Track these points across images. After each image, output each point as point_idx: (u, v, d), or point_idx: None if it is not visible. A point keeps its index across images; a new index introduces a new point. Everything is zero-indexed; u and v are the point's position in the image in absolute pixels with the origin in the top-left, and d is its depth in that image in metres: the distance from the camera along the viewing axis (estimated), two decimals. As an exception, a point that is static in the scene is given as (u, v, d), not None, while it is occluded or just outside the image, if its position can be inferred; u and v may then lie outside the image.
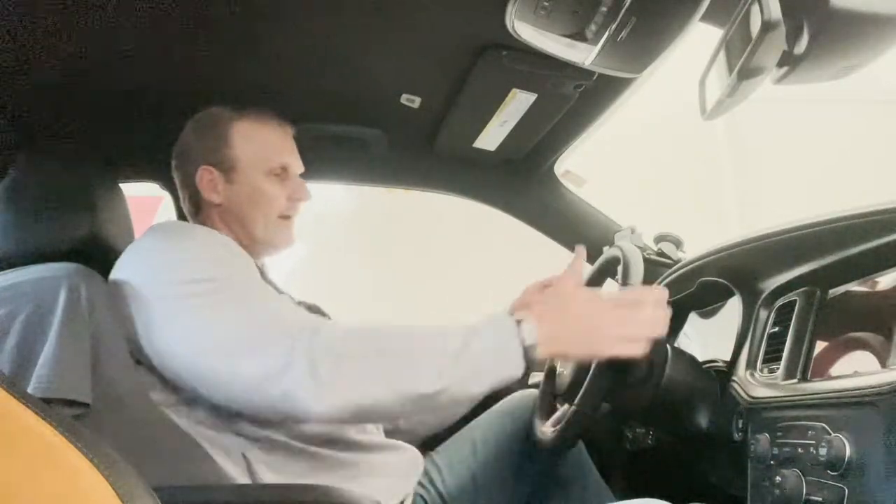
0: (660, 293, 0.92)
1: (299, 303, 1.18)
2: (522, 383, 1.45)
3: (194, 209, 1.12)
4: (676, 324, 1.41)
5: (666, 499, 0.87)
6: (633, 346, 0.89)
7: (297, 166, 1.14)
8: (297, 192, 1.12)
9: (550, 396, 1.25)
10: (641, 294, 0.93)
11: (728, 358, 1.10)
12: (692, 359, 1.13)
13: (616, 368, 1.03)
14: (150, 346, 0.90)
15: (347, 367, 0.82)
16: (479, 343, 0.85)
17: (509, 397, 1.32)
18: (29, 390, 0.77)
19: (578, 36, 0.93)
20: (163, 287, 0.91)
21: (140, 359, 0.92)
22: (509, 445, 1.22)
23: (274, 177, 1.10)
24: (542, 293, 1.08)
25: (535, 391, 1.32)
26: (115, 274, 0.96)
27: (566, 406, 1.16)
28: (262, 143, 1.10)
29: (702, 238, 1.41)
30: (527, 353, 0.85)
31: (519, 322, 0.87)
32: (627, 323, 0.89)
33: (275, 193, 1.09)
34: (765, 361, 1.00)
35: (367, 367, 0.83)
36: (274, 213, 1.10)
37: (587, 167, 1.68)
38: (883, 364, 0.81)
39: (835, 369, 0.89)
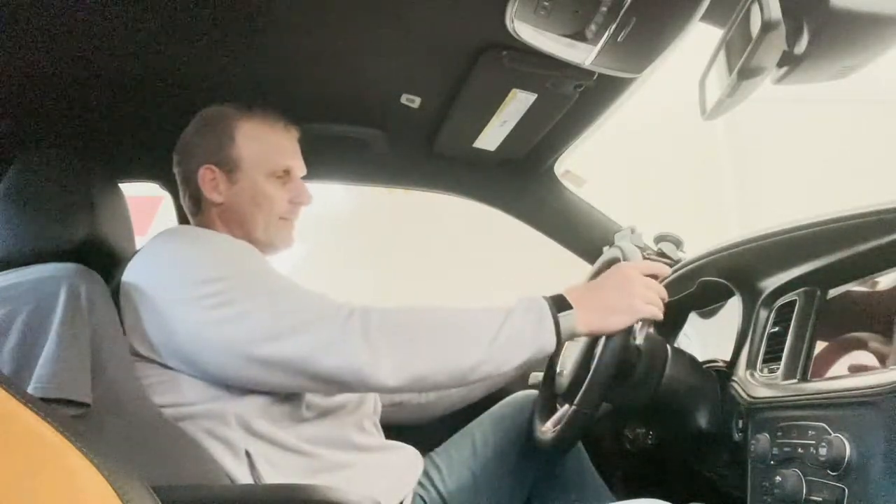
0: (666, 267, 1.05)
1: None
2: (522, 384, 1.45)
3: (195, 207, 1.12)
4: (676, 324, 1.41)
5: (666, 499, 0.87)
6: (657, 310, 0.98)
7: (300, 169, 1.14)
8: (299, 195, 1.12)
9: (550, 396, 1.25)
10: (657, 265, 1.03)
11: (728, 358, 1.10)
12: (692, 359, 1.13)
13: (616, 368, 1.03)
14: (178, 353, 0.91)
15: (398, 339, 0.88)
16: (516, 318, 0.92)
17: (510, 398, 1.32)
18: (29, 390, 0.77)
19: (578, 36, 0.93)
20: (188, 290, 0.91)
21: (147, 356, 0.92)
22: (509, 446, 1.22)
23: (276, 179, 1.10)
24: None
25: (534, 392, 1.32)
26: (128, 278, 0.96)
27: (566, 406, 1.16)
28: (266, 145, 1.09)
29: (702, 238, 1.40)
30: (561, 327, 0.93)
31: (556, 298, 0.95)
32: (653, 286, 0.98)
33: (276, 195, 1.09)
34: (765, 361, 0.99)
35: (415, 338, 0.89)
36: (275, 215, 1.09)
37: (587, 167, 1.68)
38: (883, 364, 0.81)
39: (835, 369, 0.89)
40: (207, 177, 1.08)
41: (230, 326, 0.88)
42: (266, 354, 0.87)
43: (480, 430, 1.25)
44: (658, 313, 0.98)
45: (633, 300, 0.96)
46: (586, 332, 0.97)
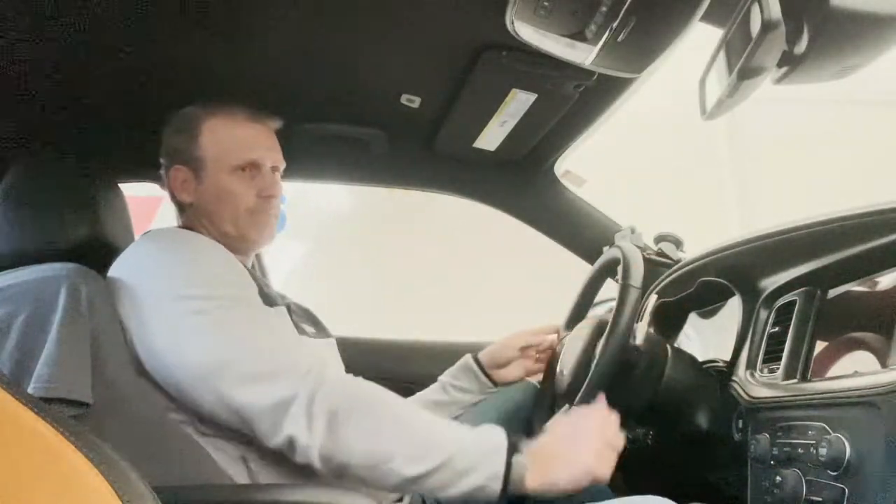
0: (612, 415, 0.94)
1: (293, 305, 1.18)
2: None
3: (178, 208, 1.13)
4: (676, 324, 1.41)
5: (666, 499, 0.87)
6: (611, 460, 0.88)
7: (271, 161, 1.10)
8: (267, 188, 1.09)
9: (550, 396, 1.25)
10: (600, 413, 0.93)
11: (728, 358, 1.10)
12: (692, 359, 1.13)
13: (616, 368, 1.03)
14: (151, 360, 0.90)
15: (341, 428, 0.83)
16: (464, 461, 0.84)
17: (508, 389, 1.31)
18: (29, 390, 0.77)
19: (578, 36, 0.93)
20: (169, 302, 0.91)
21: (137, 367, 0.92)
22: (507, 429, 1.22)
23: (241, 172, 1.07)
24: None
25: (533, 382, 1.32)
26: (113, 274, 0.96)
27: (566, 406, 1.16)
28: (228, 140, 1.08)
29: (702, 238, 1.40)
30: (510, 484, 0.84)
31: (511, 451, 0.85)
32: (613, 440, 0.90)
33: (240, 190, 1.07)
34: (765, 361, 1.00)
35: (356, 434, 0.83)
36: (241, 210, 1.07)
37: (587, 167, 1.68)
38: (883, 364, 0.81)
39: (835, 369, 0.89)
40: (179, 178, 1.09)
41: (207, 340, 0.87)
42: (221, 391, 0.85)
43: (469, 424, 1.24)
44: (608, 474, 0.88)
45: (591, 459, 0.86)
46: (532, 490, 0.87)
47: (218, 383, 0.86)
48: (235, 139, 1.09)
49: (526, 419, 1.25)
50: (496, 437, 0.87)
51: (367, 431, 0.84)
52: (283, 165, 1.14)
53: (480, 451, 0.85)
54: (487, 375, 1.27)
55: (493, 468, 0.83)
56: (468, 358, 1.30)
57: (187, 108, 1.12)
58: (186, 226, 1.12)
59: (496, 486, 0.83)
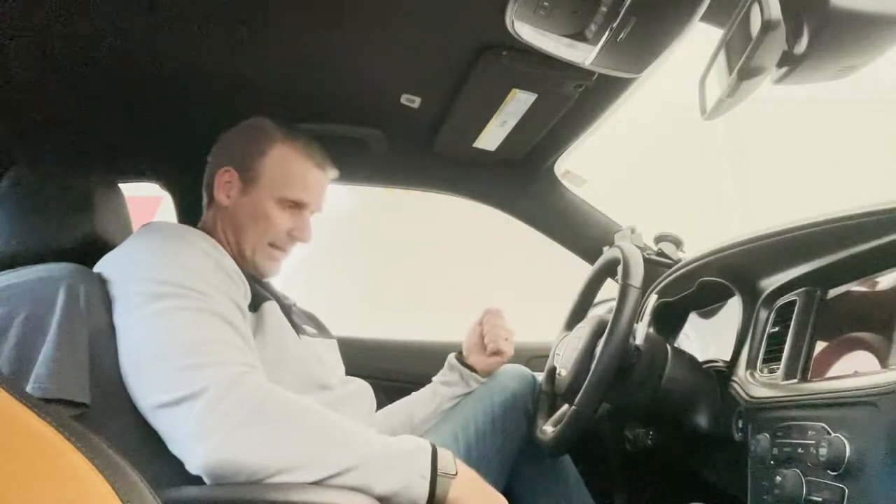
0: None
1: (296, 308, 1.18)
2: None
3: (208, 201, 1.15)
4: (676, 324, 1.42)
5: (666, 499, 0.87)
6: None
7: (315, 208, 1.15)
8: (300, 230, 1.13)
9: (551, 396, 1.25)
10: None
11: (728, 358, 1.10)
12: (692, 359, 1.13)
13: (616, 369, 1.03)
14: (124, 352, 0.89)
15: (240, 432, 0.81)
16: (383, 460, 0.84)
17: (502, 378, 1.32)
18: (27, 390, 0.77)
19: (578, 36, 0.93)
20: (132, 283, 0.91)
21: None
22: (491, 425, 1.23)
23: (285, 207, 1.11)
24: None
25: (528, 372, 1.32)
26: (96, 267, 0.96)
27: (566, 406, 1.16)
28: (291, 172, 1.11)
29: (702, 238, 1.41)
30: (438, 476, 0.86)
31: (435, 454, 0.88)
32: None
33: (277, 221, 1.10)
34: (765, 361, 1.00)
35: (255, 443, 0.82)
36: (267, 239, 1.10)
37: (587, 167, 1.68)
38: (883, 364, 0.81)
39: (835, 369, 0.89)
40: (224, 178, 1.11)
41: (133, 341, 0.87)
42: (142, 378, 0.85)
43: (462, 415, 1.24)
44: None
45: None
46: (455, 497, 0.88)
47: (145, 373, 0.85)
48: (297, 175, 1.12)
49: (523, 408, 1.26)
50: (418, 440, 0.89)
51: (268, 443, 0.82)
52: (320, 213, 1.17)
53: (401, 450, 0.87)
54: (466, 366, 1.30)
55: (417, 467, 0.85)
56: (451, 354, 1.34)
57: (261, 119, 1.14)
58: (206, 221, 1.13)
59: (423, 486, 0.85)
